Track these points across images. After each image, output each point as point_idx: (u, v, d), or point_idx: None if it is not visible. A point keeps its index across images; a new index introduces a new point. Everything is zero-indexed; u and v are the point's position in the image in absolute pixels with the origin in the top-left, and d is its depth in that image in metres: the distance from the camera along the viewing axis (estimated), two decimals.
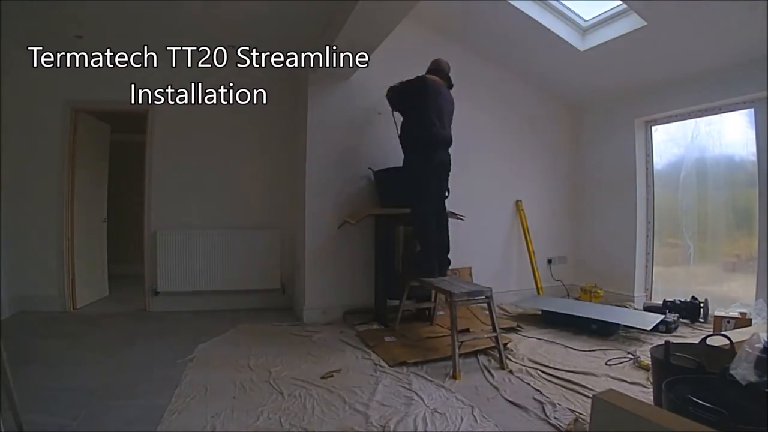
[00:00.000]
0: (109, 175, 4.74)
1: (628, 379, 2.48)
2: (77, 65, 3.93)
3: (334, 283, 3.84)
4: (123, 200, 5.38)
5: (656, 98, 4.09)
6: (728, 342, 1.95)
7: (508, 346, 3.05)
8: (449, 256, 3.36)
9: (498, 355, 2.76)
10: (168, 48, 3.93)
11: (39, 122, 3.91)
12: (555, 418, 2.03)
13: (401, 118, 3.48)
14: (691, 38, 3.31)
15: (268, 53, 4.10)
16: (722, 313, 3.24)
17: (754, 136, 3.46)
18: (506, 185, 4.65)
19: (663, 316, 3.38)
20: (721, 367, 1.61)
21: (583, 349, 3.03)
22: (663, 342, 2.01)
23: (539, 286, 4.55)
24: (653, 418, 1.26)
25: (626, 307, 4.00)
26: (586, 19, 3.89)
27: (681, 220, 4.08)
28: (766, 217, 3.33)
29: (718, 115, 3.76)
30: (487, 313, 2.85)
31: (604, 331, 3.29)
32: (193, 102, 4.18)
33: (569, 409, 2.11)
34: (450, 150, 3.39)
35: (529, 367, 2.71)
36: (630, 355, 2.81)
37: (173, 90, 4.15)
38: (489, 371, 2.63)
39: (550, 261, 4.81)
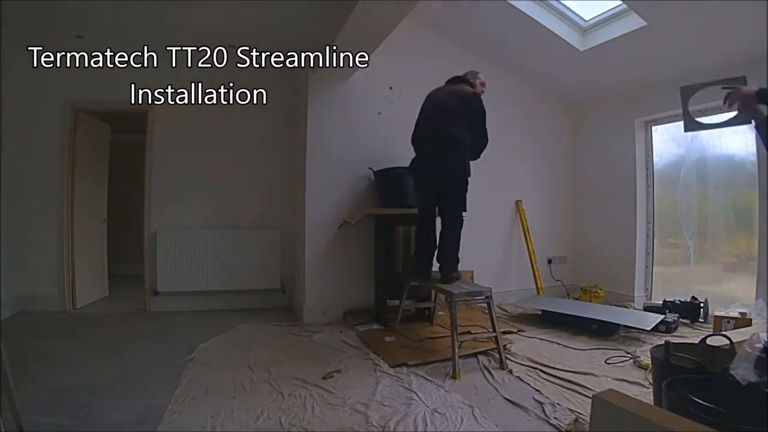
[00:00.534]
0: (109, 175, 4.74)
1: (628, 379, 2.48)
2: (77, 65, 3.94)
3: (334, 283, 3.84)
4: (123, 200, 5.38)
5: (656, 98, 4.08)
6: (728, 342, 1.95)
7: (508, 346, 3.05)
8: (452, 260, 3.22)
9: (498, 356, 2.76)
10: (168, 48, 3.93)
11: (39, 122, 3.91)
12: (555, 418, 2.03)
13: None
14: (691, 38, 3.31)
15: (268, 53, 4.10)
16: (722, 313, 3.24)
17: (754, 136, 3.45)
18: (506, 185, 4.64)
19: (663, 316, 3.38)
20: (721, 367, 1.61)
21: (583, 349, 3.03)
22: (663, 342, 2.01)
23: (539, 286, 4.55)
24: (653, 418, 1.26)
25: (626, 307, 4.00)
26: (586, 19, 3.89)
27: (681, 220, 4.08)
28: (766, 217, 3.32)
29: (718, 115, 3.75)
30: (487, 313, 2.85)
31: (604, 331, 3.29)
32: (193, 102, 4.18)
33: (569, 409, 2.11)
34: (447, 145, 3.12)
35: (529, 367, 2.71)
36: (629, 355, 2.81)
37: (173, 90, 4.15)
38: (489, 371, 2.63)
39: (550, 261, 4.81)
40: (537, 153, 4.81)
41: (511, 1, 3.59)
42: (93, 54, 3.92)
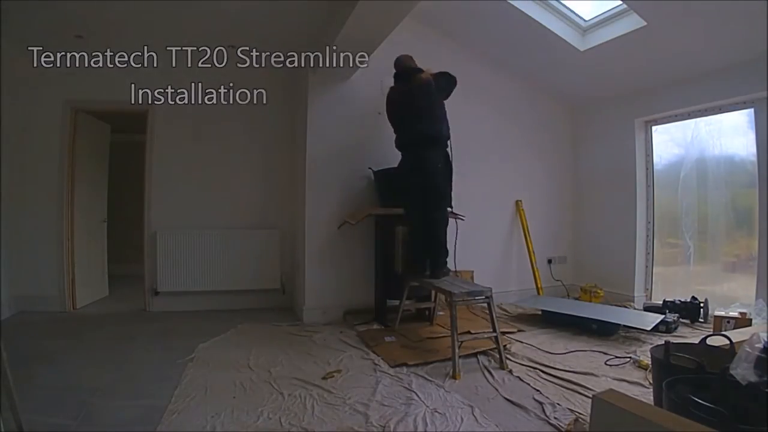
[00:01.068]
0: (109, 175, 4.74)
1: (628, 379, 2.49)
2: (77, 65, 3.95)
3: (334, 283, 3.84)
4: (123, 200, 5.38)
5: (656, 98, 4.08)
6: (728, 342, 1.95)
7: (508, 346, 3.05)
8: (446, 259, 3.31)
9: (498, 356, 2.76)
10: (168, 48, 3.94)
11: (39, 122, 3.91)
12: (555, 418, 2.03)
13: None
14: (691, 38, 3.31)
15: (268, 53, 4.11)
16: (722, 313, 3.24)
17: (754, 136, 3.46)
18: (506, 185, 4.64)
19: (663, 316, 3.38)
20: (721, 367, 1.61)
21: (583, 349, 3.03)
22: (663, 342, 2.01)
23: (539, 286, 4.55)
24: (653, 418, 1.26)
25: (626, 307, 4.00)
26: (586, 19, 3.89)
27: (681, 220, 4.08)
28: (766, 217, 3.33)
29: (718, 115, 3.76)
30: (488, 313, 2.85)
31: (604, 331, 3.29)
32: (193, 102, 4.19)
33: (569, 409, 2.11)
34: (442, 145, 3.29)
35: (529, 367, 2.71)
36: (629, 357, 2.80)
37: (173, 90, 4.15)
38: (489, 371, 2.63)
39: (550, 261, 4.81)
40: (537, 153, 4.81)
41: (511, 1, 3.58)
42: (93, 54, 3.93)
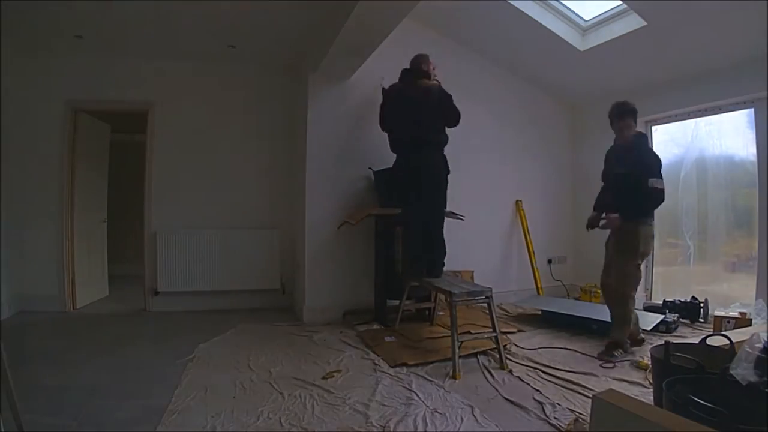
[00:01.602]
0: (109, 175, 4.74)
1: (628, 379, 2.49)
2: (77, 65, 3.96)
3: (334, 283, 3.84)
4: (123, 200, 5.38)
5: (656, 98, 4.08)
6: (728, 342, 1.95)
7: (508, 346, 3.05)
8: (444, 260, 3.31)
9: (498, 356, 2.76)
10: (168, 48, 3.95)
11: (39, 122, 3.91)
12: (555, 418, 2.03)
13: None
14: (691, 38, 3.31)
15: (268, 53, 4.11)
16: (722, 313, 3.24)
17: (754, 136, 3.46)
18: (506, 185, 4.65)
19: (663, 316, 3.38)
20: (721, 367, 1.61)
21: (583, 349, 3.03)
22: (663, 342, 2.01)
23: (539, 286, 4.55)
24: (653, 418, 1.26)
25: None
26: (586, 19, 3.89)
27: (681, 220, 4.08)
28: (766, 217, 3.33)
29: (718, 115, 3.76)
30: (487, 313, 2.85)
31: (604, 331, 3.28)
32: (192, 102, 4.21)
33: (569, 409, 2.11)
34: (441, 147, 3.31)
35: (529, 367, 2.71)
36: (626, 360, 2.80)
37: (173, 89, 4.16)
38: (489, 371, 2.63)
39: (550, 261, 4.81)
40: (537, 153, 4.81)
41: (511, 1, 3.59)
42: (93, 54, 3.95)
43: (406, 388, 2.38)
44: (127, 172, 5.44)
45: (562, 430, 1.94)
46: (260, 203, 4.35)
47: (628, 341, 2.94)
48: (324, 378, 2.50)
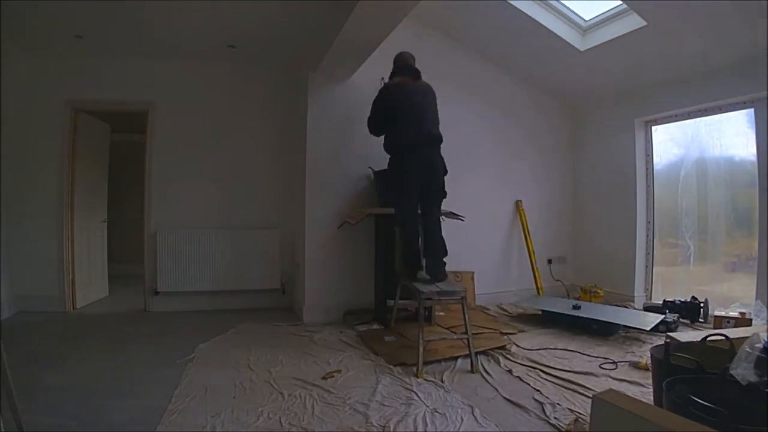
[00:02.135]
0: (109, 175, 4.74)
1: (628, 379, 2.49)
2: (77, 65, 3.96)
3: (334, 283, 3.84)
4: (123, 200, 5.39)
5: (656, 98, 4.09)
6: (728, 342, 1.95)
7: (508, 346, 3.05)
8: (445, 259, 3.21)
9: (502, 356, 2.76)
10: (168, 48, 3.95)
11: (39, 122, 3.91)
12: (555, 418, 2.03)
13: None
14: (691, 38, 3.31)
15: (268, 53, 4.11)
16: (722, 313, 3.24)
17: (754, 136, 3.46)
18: (506, 185, 4.65)
19: (663, 316, 3.38)
20: (721, 367, 1.61)
21: (582, 349, 3.03)
22: (663, 342, 2.01)
23: (539, 286, 4.55)
24: (653, 418, 1.26)
25: (626, 307, 4.00)
26: (586, 19, 3.89)
27: (681, 220, 4.08)
28: (766, 217, 3.33)
29: (718, 115, 3.76)
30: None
31: (604, 331, 3.29)
32: (192, 101, 4.21)
33: (569, 409, 2.11)
34: (441, 147, 3.20)
35: (528, 367, 2.71)
36: (625, 362, 2.79)
37: (173, 89, 4.17)
38: (489, 372, 2.63)
39: (550, 261, 4.81)
40: (537, 153, 4.81)
41: (511, 1, 3.59)
42: (93, 54, 3.95)
43: (406, 388, 2.38)
44: (127, 172, 5.44)
45: (562, 430, 1.94)
46: (260, 203, 4.35)
47: None
48: (324, 378, 2.50)
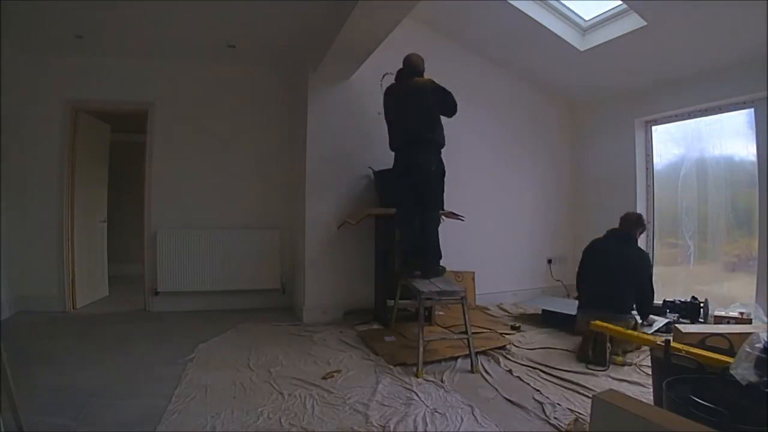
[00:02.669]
0: (109, 175, 4.74)
1: (628, 379, 2.49)
2: (77, 65, 3.96)
3: (334, 283, 3.84)
4: (123, 200, 5.39)
5: (656, 98, 4.09)
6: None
7: (508, 346, 3.05)
8: (437, 261, 3.24)
9: (502, 356, 2.75)
10: (168, 48, 3.95)
11: (39, 122, 3.91)
12: (555, 418, 2.03)
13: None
14: (691, 38, 3.31)
15: (268, 53, 4.11)
16: (722, 313, 3.24)
17: (754, 136, 3.46)
18: (506, 185, 4.65)
19: (666, 320, 3.38)
20: (721, 367, 1.61)
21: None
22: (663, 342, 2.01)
23: None
24: (653, 418, 1.26)
25: None
26: (586, 19, 3.89)
27: (681, 220, 4.08)
28: (766, 217, 3.33)
29: (718, 115, 3.76)
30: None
31: None
32: (192, 101, 4.21)
33: (569, 409, 2.11)
34: (439, 147, 3.23)
35: (529, 367, 2.71)
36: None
37: (173, 89, 4.16)
38: (488, 371, 2.63)
39: (550, 261, 4.81)
40: (537, 153, 4.81)
41: (511, 1, 3.59)
42: (93, 54, 3.95)
43: (406, 388, 2.38)
44: (127, 172, 5.44)
45: (562, 430, 1.94)
46: (260, 203, 4.34)
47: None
48: (324, 378, 2.50)
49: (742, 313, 3.16)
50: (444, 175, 3.29)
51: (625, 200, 4.34)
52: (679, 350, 1.89)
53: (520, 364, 2.76)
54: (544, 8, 3.79)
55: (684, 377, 1.69)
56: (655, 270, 4.26)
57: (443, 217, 3.85)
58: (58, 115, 3.94)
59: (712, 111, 3.77)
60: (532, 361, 2.80)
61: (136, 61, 4.06)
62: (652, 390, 2.12)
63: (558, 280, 4.77)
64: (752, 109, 3.46)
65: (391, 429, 1.93)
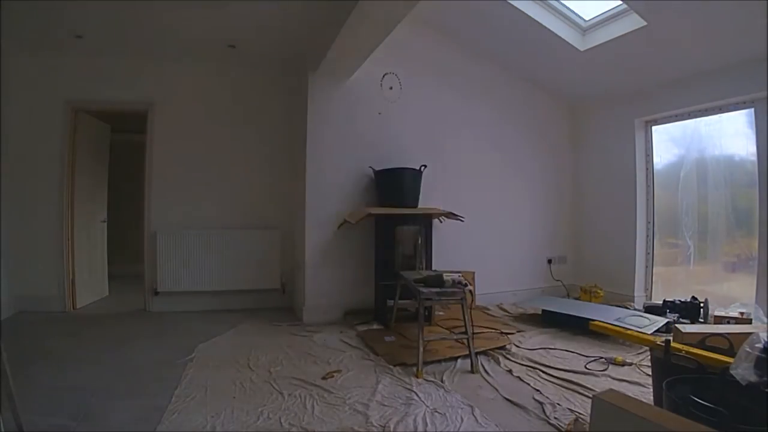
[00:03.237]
0: (109, 175, 4.74)
1: (628, 379, 2.49)
2: (77, 65, 3.96)
3: (334, 283, 3.84)
4: (123, 200, 5.38)
5: (656, 98, 4.09)
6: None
7: (508, 346, 3.05)
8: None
9: (503, 356, 2.75)
10: (168, 48, 3.95)
11: (39, 122, 3.91)
12: (555, 418, 2.03)
13: None
14: (691, 38, 3.31)
15: (268, 53, 4.11)
16: (722, 313, 3.24)
17: (754, 136, 3.45)
18: (506, 185, 4.65)
19: (666, 320, 3.37)
20: (721, 367, 1.61)
21: (583, 349, 3.03)
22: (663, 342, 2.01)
23: None
24: (653, 418, 1.26)
25: (626, 307, 4.00)
26: (586, 19, 3.89)
27: (681, 220, 4.08)
28: (766, 217, 3.32)
29: (718, 115, 3.76)
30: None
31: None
32: (193, 101, 4.21)
33: (569, 409, 2.11)
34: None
35: (529, 367, 2.71)
36: (604, 359, 2.80)
37: (173, 89, 4.16)
38: (488, 371, 2.63)
39: (550, 261, 4.81)
40: (537, 153, 4.81)
41: (511, 1, 3.58)
42: (93, 54, 3.95)
43: (406, 388, 2.38)
44: (127, 172, 5.44)
45: (562, 430, 1.94)
46: (260, 203, 4.34)
47: None
48: (324, 378, 2.50)
49: (742, 313, 3.16)
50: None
51: (625, 200, 4.35)
52: (679, 350, 1.89)
53: (520, 364, 2.76)
54: (544, 8, 3.78)
55: (684, 377, 1.69)
56: (655, 270, 4.29)
57: (443, 217, 3.86)
58: (58, 115, 3.94)
59: (712, 111, 3.76)
60: (532, 361, 2.80)
61: (136, 61, 4.06)
62: (652, 390, 2.12)
63: (558, 280, 4.77)
64: (752, 109, 3.46)
65: (391, 429, 1.94)
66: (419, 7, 2.86)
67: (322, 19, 3.27)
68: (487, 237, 4.49)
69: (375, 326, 3.54)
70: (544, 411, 2.11)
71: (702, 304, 3.62)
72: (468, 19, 3.99)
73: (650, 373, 2.24)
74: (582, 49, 3.91)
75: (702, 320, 3.59)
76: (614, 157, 4.49)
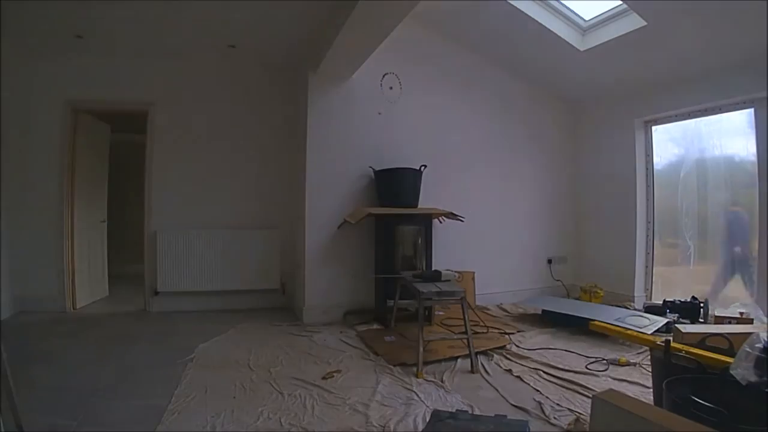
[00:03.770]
0: (109, 175, 4.74)
1: (628, 379, 2.49)
2: (77, 65, 3.96)
3: (334, 283, 3.84)
4: (123, 200, 5.38)
5: (656, 98, 4.09)
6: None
7: (508, 346, 3.05)
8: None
9: (504, 356, 2.75)
10: (168, 48, 3.95)
11: (39, 122, 3.91)
12: (555, 418, 2.03)
13: None
14: (691, 38, 3.31)
15: (268, 53, 4.11)
16: (722, 313, 3.24)
17: (754, 136, 3.45)
18: (506, 185, 4.64)
19: (666, 320, 3.37)
20: (721, 367, 1.61)
21: (583, 349, 3.03)
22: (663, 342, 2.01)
23: None
24: (653, 418, 1.26)
25: (626, 307, 4.00)
26: (586, 19, 3.89)
27: (681, 220, 4.08)
28: (766, 217, 3.32)
29: (718, 115, 3.76)
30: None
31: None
32: (193, 101, 4.21)
33: (569, 409, 2.11)
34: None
35: (529, 367, 2.71)
36: (605, 360, 2.79)
37: (173, 89, 4.16)
38: (489, 371, 2.63)
39: (550, 261, 4.81)
40: (537, 153, 4.81)
41: (511, 1, 3.58)
42: (93, 54, 3.95)
43: (406, 388, 2.38)
44: (127, 172, 5.44)
45: (563, 430, 1.94)
46: (260, 203, 4.34)
47: None
48: (324, 378, 2.50)
49: (742, 313, 3.16)
50: None
51: (625, 200, 4.34)
52: (679, 350, 1.89)
53: (520, 364, 2.76)
54: (544, 8, 3.78)
55: (684, 377, 1.69)
56: (655, 270, 4.29)
57: (443, 217, 3.86)
58: (58, 115, 3.94)
59: (712, 111, 3.76)
60: (532, 361, 2.80)
61: (136, 61, 4.06)
62: (652, 390, 2.12)
63: (558, 280, 4.77)
64: (752, 109, 3.46)
65: (391, 429, 1.94)
66: (419, 7, 2.86)
67: (322, 19, 3.27)
68: (487, 237, 4.49)
69: (375, 326, 3.54)
70: (544, 411, 2.10)
71: (702, 304, 3.62)
72: (468, 19, 3.99)
73: (650, 373, 2.24)
74: (582, 49, 3.92)
75: (702, 320, 3.59)
76: (614, 157, 4.49)
